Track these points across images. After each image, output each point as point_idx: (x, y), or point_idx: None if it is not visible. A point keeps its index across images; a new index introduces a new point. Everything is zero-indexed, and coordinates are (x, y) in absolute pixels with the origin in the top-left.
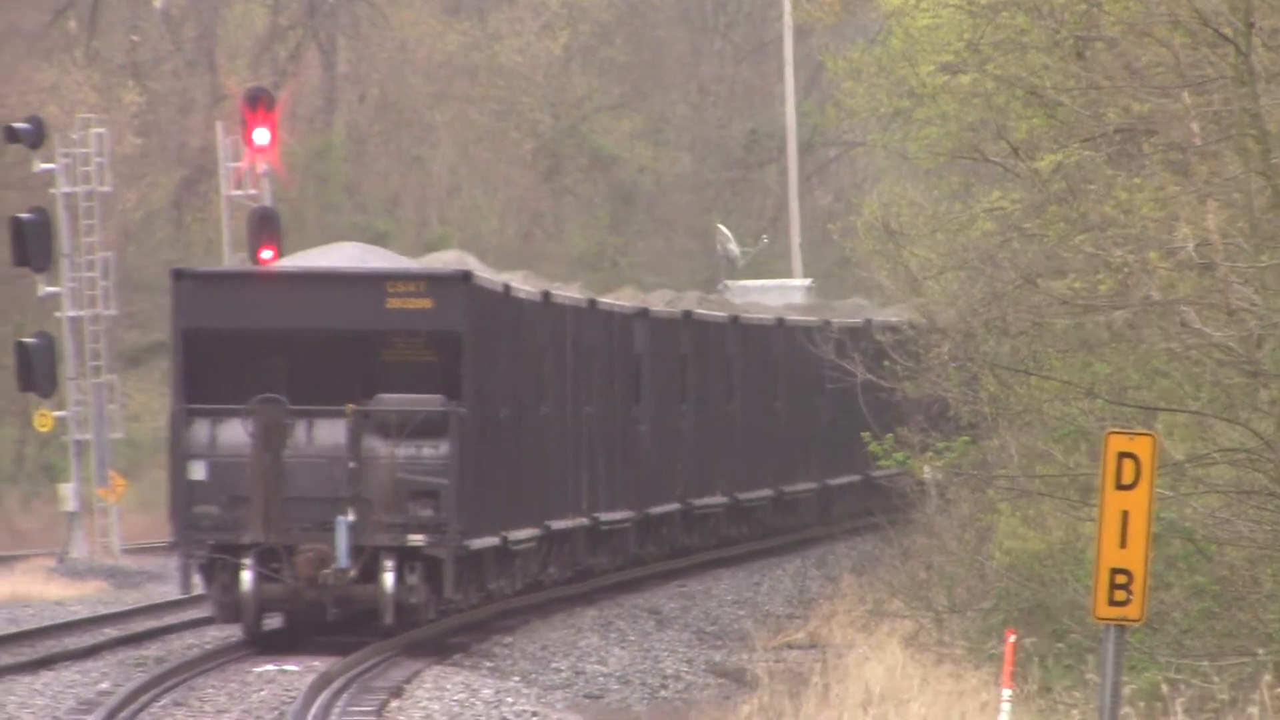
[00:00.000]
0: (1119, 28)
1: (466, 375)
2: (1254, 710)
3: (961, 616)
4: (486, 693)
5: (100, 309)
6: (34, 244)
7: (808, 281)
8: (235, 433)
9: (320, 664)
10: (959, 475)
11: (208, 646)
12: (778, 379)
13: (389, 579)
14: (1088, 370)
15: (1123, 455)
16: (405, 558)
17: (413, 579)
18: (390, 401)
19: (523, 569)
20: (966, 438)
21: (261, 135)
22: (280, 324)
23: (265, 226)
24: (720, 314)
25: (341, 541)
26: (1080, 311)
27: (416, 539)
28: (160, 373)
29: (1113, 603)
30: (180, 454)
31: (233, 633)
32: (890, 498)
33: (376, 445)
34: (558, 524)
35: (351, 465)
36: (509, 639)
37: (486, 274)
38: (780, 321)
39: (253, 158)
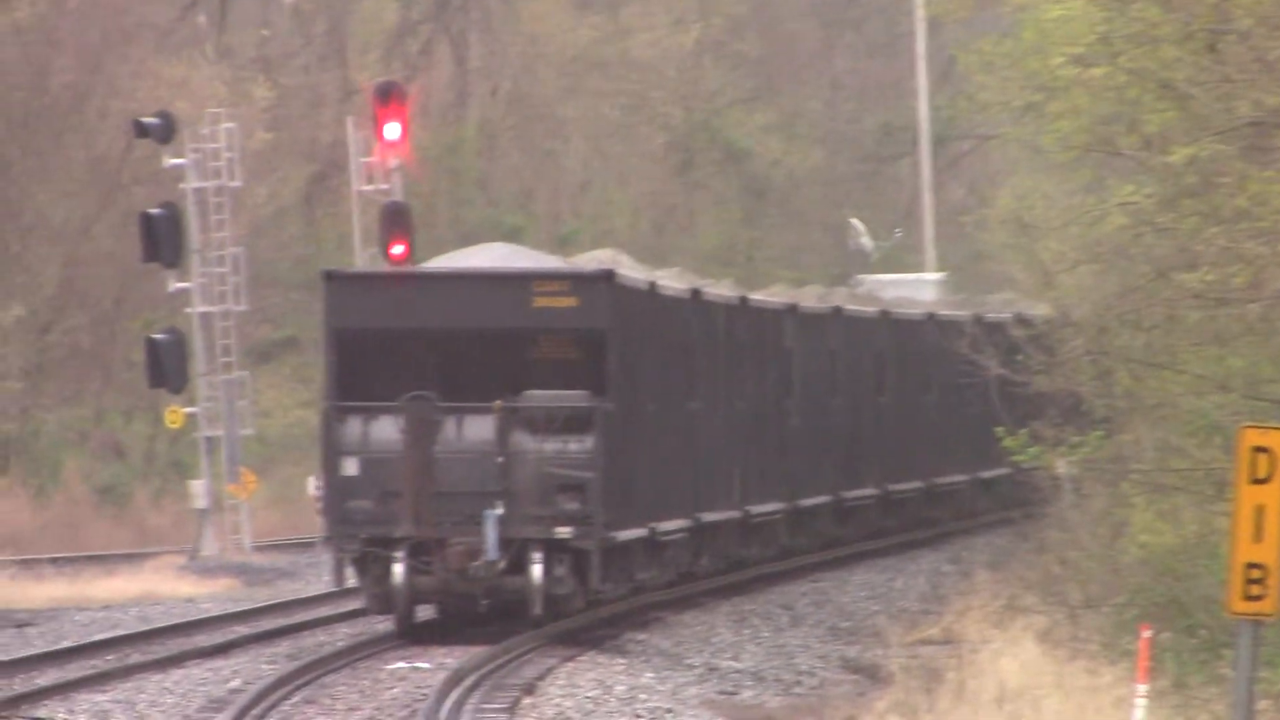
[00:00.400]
0: (1251, 20)
1: (611, 371)
2: None
3: (1096, 612)
4: (620, 689)
5: (230, 304)
6: (164, 239)
7: (941, 275)
8: (386, 429)
9: (454, 660)
10: (1093, 470)
11: (339, 644)
12: (929, 372)
13: (537, 571)
14: (1221, 364)
15: (1257, 450)
16: (553, 550)
17: (560, 570)
18: (537, 397)
19: (673, 560)
20: (1100, 432)
21: (392, 130)
22: (429, 323)
23: (396, 222)
24: (870, 309)
25: (491, 534)
26: (1214, 305)
27: (563, 531)
28: (291, 368)
29: (1248, 597)
30: (333, 450)
31: (363, 629)
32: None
33: (524, 440)
34: (709, 516)
35: (500, 460)
36: (643, 634)
37: (638, 272)
38: (930, 316)
39: (384, 152)
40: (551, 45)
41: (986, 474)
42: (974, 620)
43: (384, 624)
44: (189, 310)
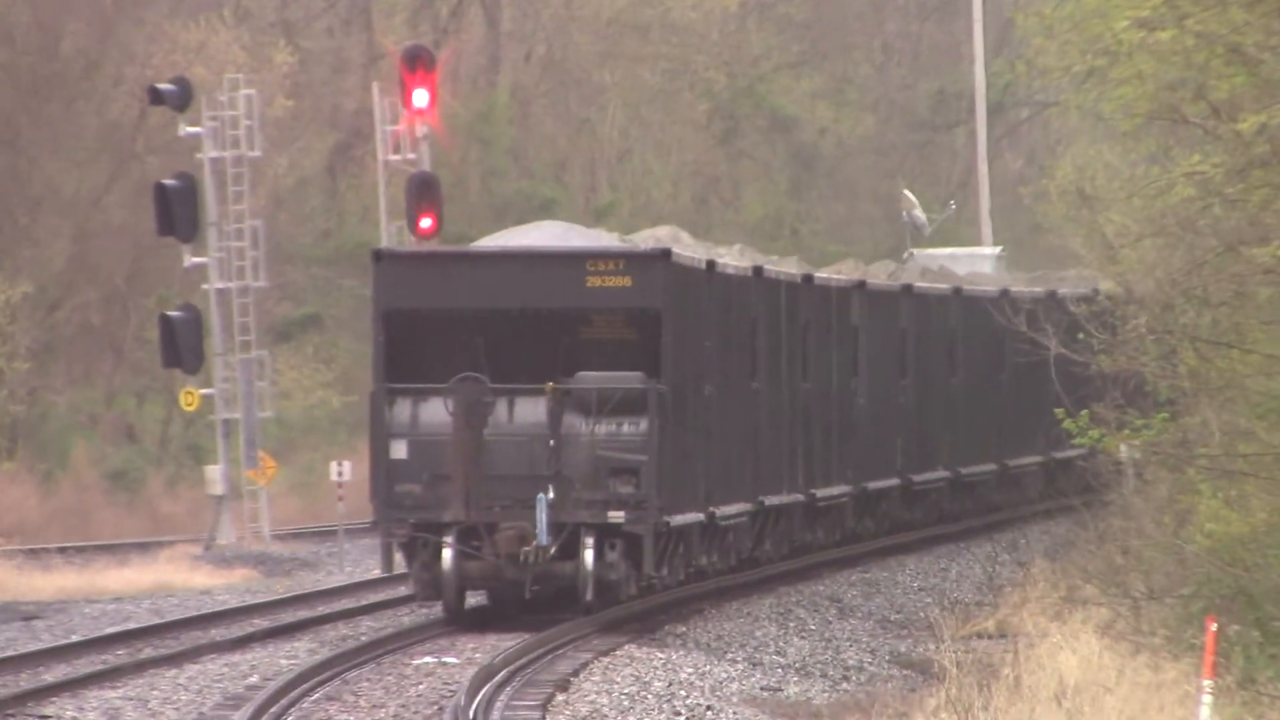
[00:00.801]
0: None
1: (666, 352)
2: None
3: (1160, 604)
4: (658, 685)
5: (249, 280)
6: (180, 212)
7: (998, 249)
8: (436, 412)
9: (484, 655)
10: (1157, 454)
11: (363, 638)
12: (1003, 352)
13: (589, 556)
14: None
15: None
16: (605, 534)
17: (612, 556)
18: (590, 379)
19: (734, 546)
20: (1165, 414)
21: (421, 97)
22: (480, 303)
23: (425, 193)
24: (942, 286)
25: (542, 519)
26: None
27: (616, 516)
28: (312, 347)
29: None
30: (382, 433)
31: (388, 623)
32: (1090, 478)
33: (576, 423)
34: (772, 500)
35: (552, 443)
36: (683, 627)
37: (698, 250)
38: (1004, 293)
39: (411, 120)
40: (588, 7)
41: (1062, 455)
42: (1031, 612)
43: (410, 616)
44: (205, 286)
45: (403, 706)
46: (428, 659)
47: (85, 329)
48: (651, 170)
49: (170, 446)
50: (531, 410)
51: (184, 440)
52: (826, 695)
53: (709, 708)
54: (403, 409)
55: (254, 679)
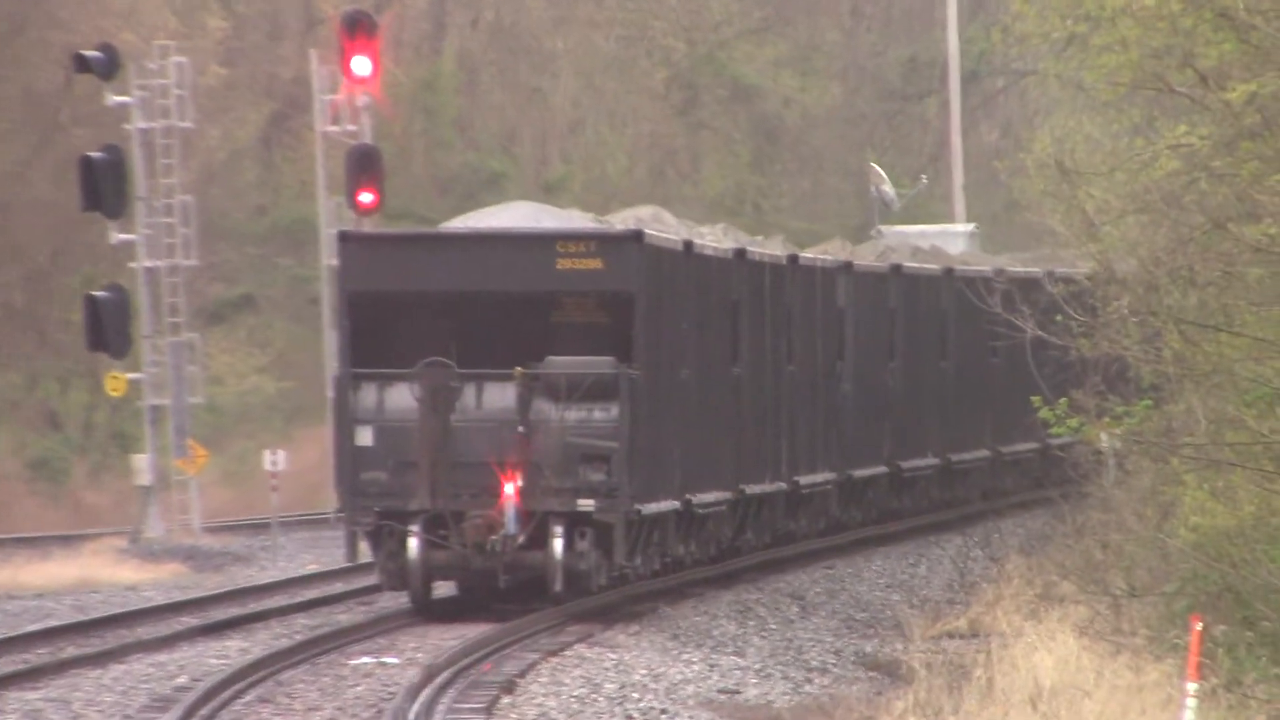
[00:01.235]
0: None
1: (638, 336)
2: None
3: (1142, 601)
4: (610, 687)
5: (179, 259)
6: (106, 186)
7: (971, 226)
8: (402, 397)
9: (425, 655)
10: (1139, 443)
11: (298, 637)
12: (997, 334)
13: (558, 545)
14: None
15: None
16: (575, 523)
17: (583, 545)
18: (560, 364)
19: (714, 535)
20: (1148, 401)
21: (361, 65)
22: (447, 286)
23: (365, 167)
24: (933, 266)
25: (510, 507)
26: (1276, 260)
27: (586, 504)
28: (246, 330)
29: None
30: (347, 419)
31: (324, 621)
32: (1067, 469)
33: (546, 409)
34: (753, 488)
35: (520, 429)
36: (636, 626)
37: (681, 231)
38: (999, 273)
39: (351, 90)
40: None
41: (1058, 441)
42: (1005, 611)
43: (347, 614)
44: (133, 265)
45: (339, 709)
46: (366, 659)
47: (6, 310)
48: (606, 142)
49: (95, 434)
50: (500, 396)
51: (110, 428)
52: (788, 698)
53: (663, 711)
54: (368, 394)
55: (182, 679)
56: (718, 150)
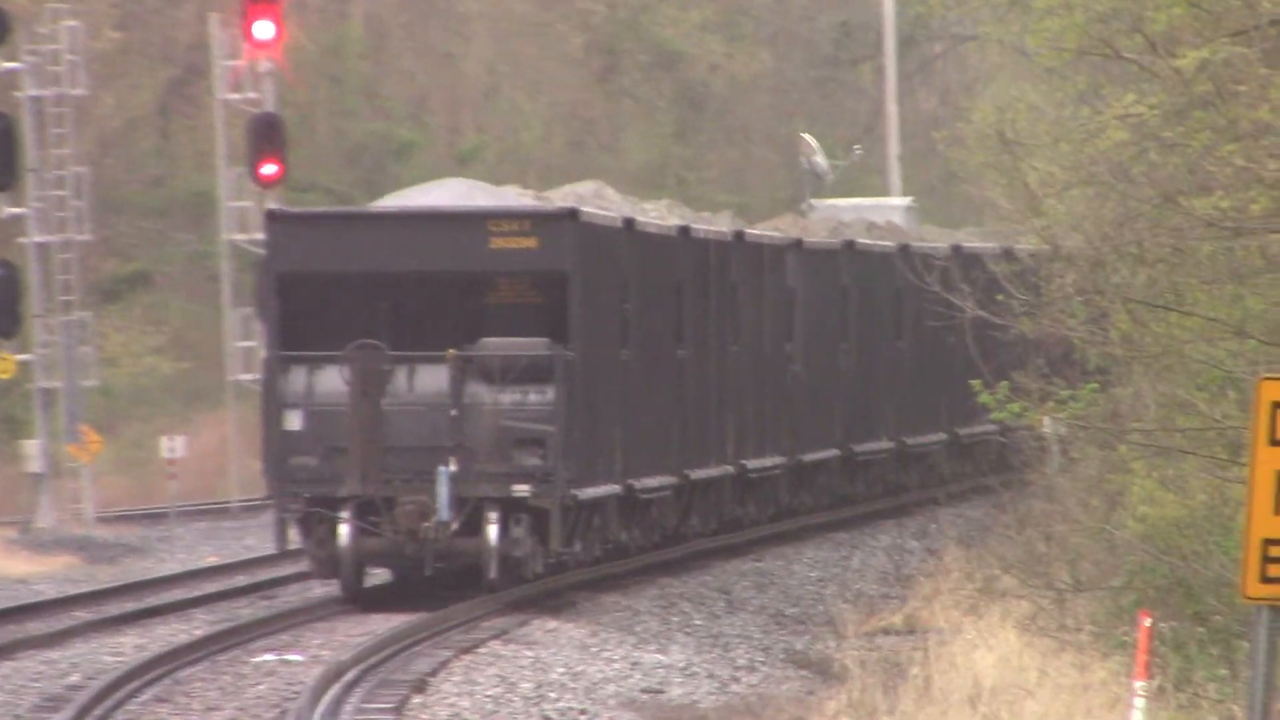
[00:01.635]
0: None
1: (574, 317)
2: None
3: (1087, 596)
4: (526, 686)
5: (72, 234)
6: None
7: (908, 200)
8: (332, 380)
9: (331, 653)
10: (1085, 429)
11: (197, 633)
12: (953, 313)
13: (493, 532)
14: (1238, 305)
15: (1277, 405)
16: (510, 509)
17: (518, 531)
18: (494, 346)
19: (658, 521)
20: (1094, 385)
21: (264, 28)
22: (379, 266)
23: (268, 136)
24: (888, 243)
25: (443, 493)
26: (1229, 235)
27: (521, 489)
28: (142, 309)
29: (1265, 579)
30: (275, 403)
31: (225, 616)
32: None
33: (480, 392)
34: (699, 473)
35: (453, 413)
36: (554, 622)
37: (623, 208)
38: (957, 249)
39: (253, 55)
40: None
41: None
42: (943, 606)
43: (249, 609)
44: (23, 240)
45: (240, 709)
46: (268, 656)
47: None
48: (521, 111)
49: None
50: (432, 378)
51: None
52: (713, 698)
53: (582, 712)
54: (297, 378)
55: (75, 678)
56: (640, 120)
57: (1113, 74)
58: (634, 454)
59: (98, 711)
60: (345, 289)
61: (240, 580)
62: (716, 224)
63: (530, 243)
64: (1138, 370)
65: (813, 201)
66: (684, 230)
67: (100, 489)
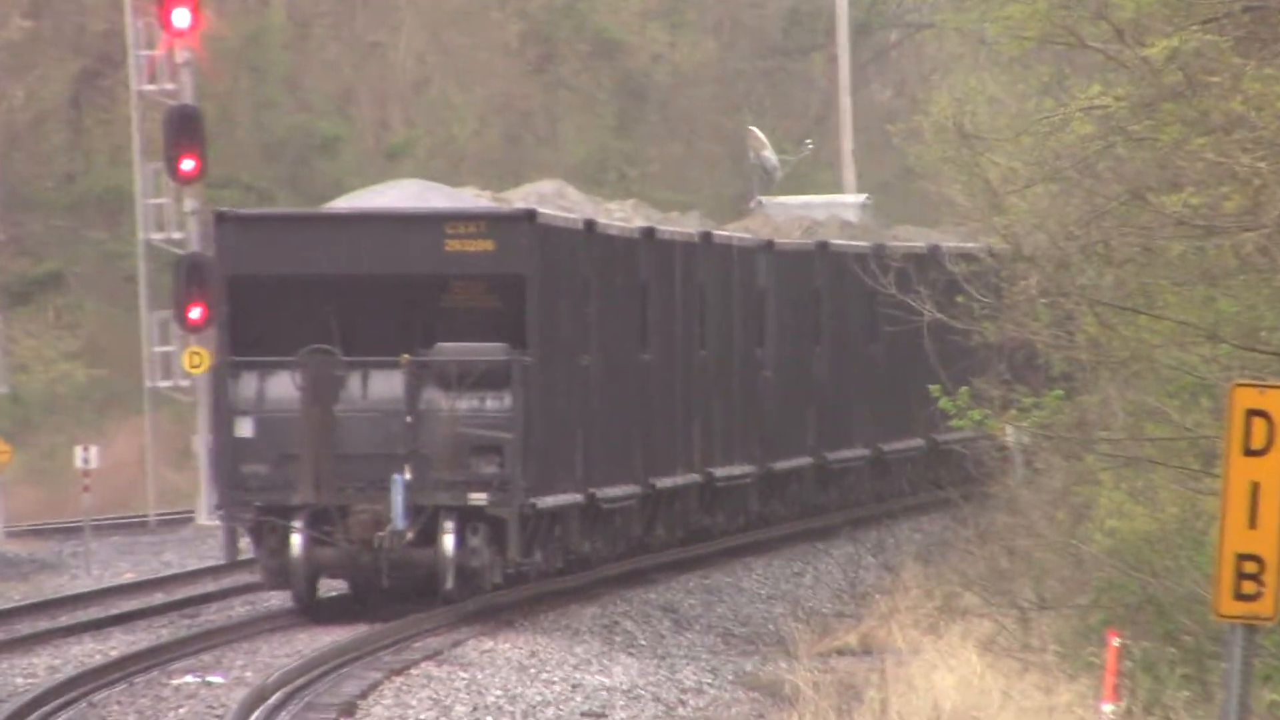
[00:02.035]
0: None
1: (532, 321)
2: None
3: (1053, 615)
4: (460, 710)
5: None
6: None
7: (862, 197)
8: (284, 386)
9: (254, 674)
10: (1049, 438)
11: (113, 653)
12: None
13: (449, 541)
14: (1210, 307)
15: (1252, 413)
16: (467, 518)
17: (475, 541)
18: (449, 351)
19: (622, 531)
20: (1059, 392)
21: (181, 16)
22: (331, 269)
23: (186, 130)
24: (862, 243)
25: (398, 501)
26: (1201, 234)
27: (478, 497)
28: (54, 311)
29: (1239, 596)
30: (225, 410)
31: (141, 636)
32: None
33: (435, 398)
34: (664, 481)
35: (408, 419)
36: (490, 641)
37: (585, 208)
38: (935, 249)
39: (170, 44)
40: None
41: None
42: (901, 625)
43: (169, 628)
44: None
45: None
46: (189, 678)
47: None
48: (453, 103)
49: None
50: (387, 384)
51: None
52: None
53: None
54: (248, 384)
55: None
56: (578, 112)
57: (1078, 64)
58: (596, 462)
59: None
60: (297, 292)
61: (159, 598)
62: (684, 225)
63: (487, 245)
64: (1105, 376)
65: (762, 199)
66: (648, 232)
67: (10, 501)
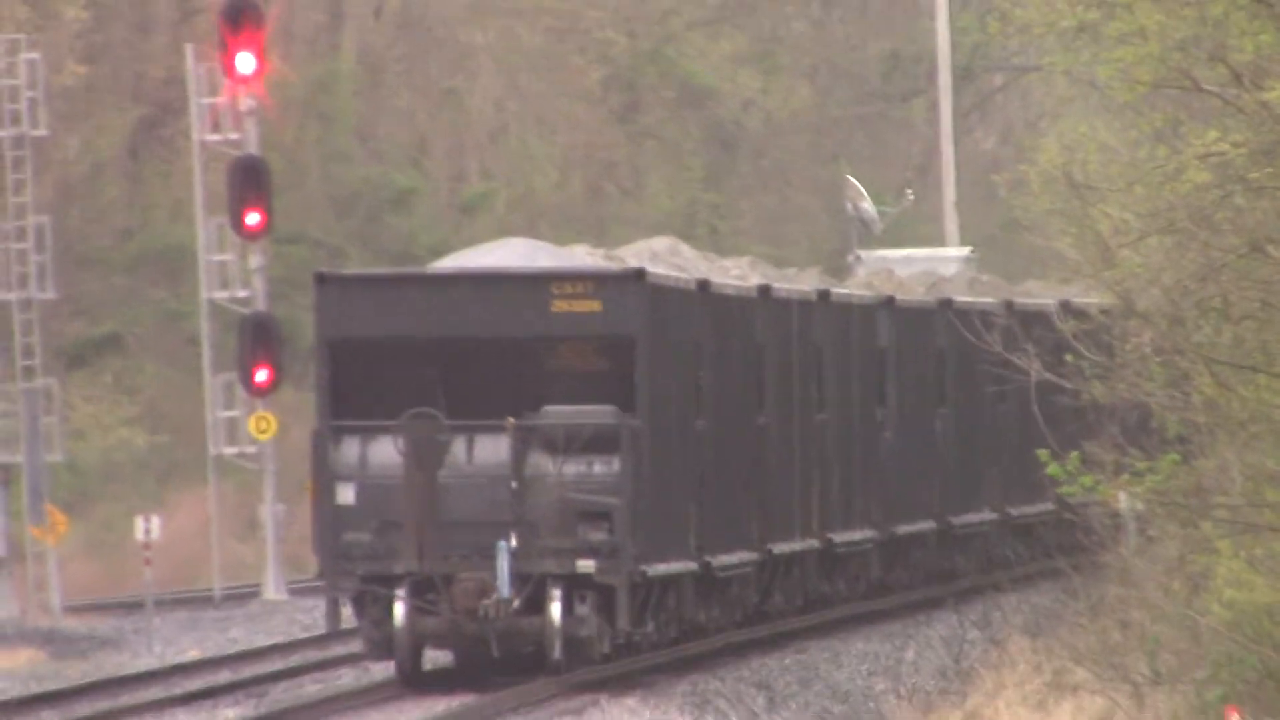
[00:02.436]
0: None
1: (642, 384)
2: None
3: (1168, 690)
4: None
5: (33, 292)
6: None
7: (966, 250)
8: (386, 452)
9: None
10: (1164, 504)
11: None
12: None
13: (556, 610)
14: None
15: None
16: (575, 586)
17: (583, 609)
18: (556, 414)
19: (739, 599)
20: (1175, 456)
21: (245, 61)
22: (435, 331)
23: (251, 182)
24: (989, 299)
25: (504, 569)
26: None
27: (586, 565)
28: (113, 375)
29: None
30: (327, 476)
31: (208, 715)
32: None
33: (542, 462)
34: (782, 547)
35: (514, 485)
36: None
37: (699, 265)
38: (1064, 305)
39: (234, 91)
40: None
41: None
42: (1009, 702)
43: (235, 710)
44: None
45: None
46: None
47: None
48: (532, 153)
49: None
50: (492, 449)
51: None
52: None
53: None
54: (350, 449)
55: None
56: (665, 162)
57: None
58: (710, 528)
59: None
60: (399, 355)
61: (225, 676)
62: (801, 282)
63: (594, 305)
64: (1223, 439)
65: (860, 253)
66: (764, 290)
67: (68, 575)
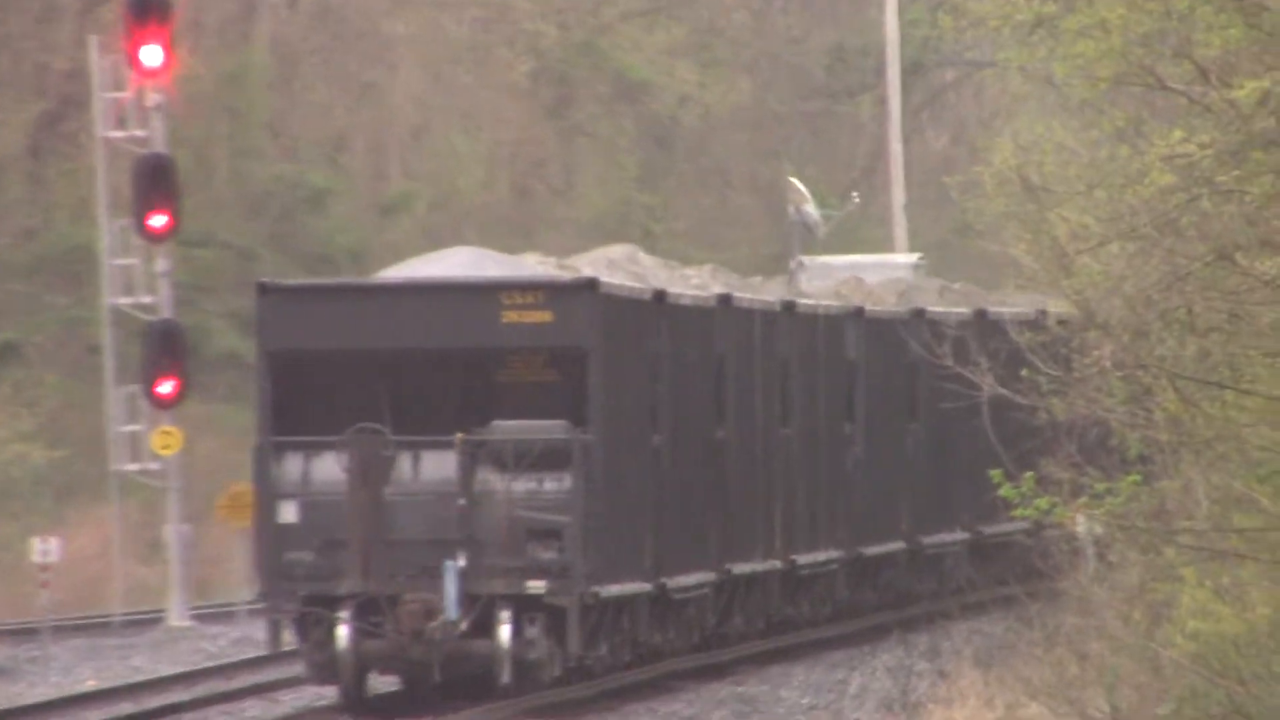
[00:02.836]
0: None
1: (595, 398)
2: None
3: None
4: None
5: None
6: None
7: (915, 257)
8: (330, 468)
9: None
10: (1125, 529)
11: None
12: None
13: (505, 632)
14: None
15: None
16: (524, 607)
17: (533, 632)
18: (506, 429)
19: (696, 621)
20: (1136, 476)
21: (152, 54)
22: (380, 343)
23: (158, 181)
24: (963, 309)
25: (451, 590)
26: None
27: (536, 585)
28: (10, 386)
29: None
30: (268, 493)
31: None
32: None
33: (491, 479)
34: (742, 567)
35: (462, 502)
36: None
37: (658, 274)
38: (1040, 314)
39: (140, 85)
40: None
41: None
42: None
43: None
44: None
45: None
46: None
47: None
48: (457, 151)
49: None
50: (439, 465)
51: None
52: None
53: None
54: (291, 466)
55: None
56: (598, 160)
57: (1157, 108)
58: (667, 547)
59: None
60: (343, 367)
61: (125, 708)
62: (766, 292)
63: (545, 316)
64: (1187, 459)
65: (803, 258)
66: (724, 299)
67: None
